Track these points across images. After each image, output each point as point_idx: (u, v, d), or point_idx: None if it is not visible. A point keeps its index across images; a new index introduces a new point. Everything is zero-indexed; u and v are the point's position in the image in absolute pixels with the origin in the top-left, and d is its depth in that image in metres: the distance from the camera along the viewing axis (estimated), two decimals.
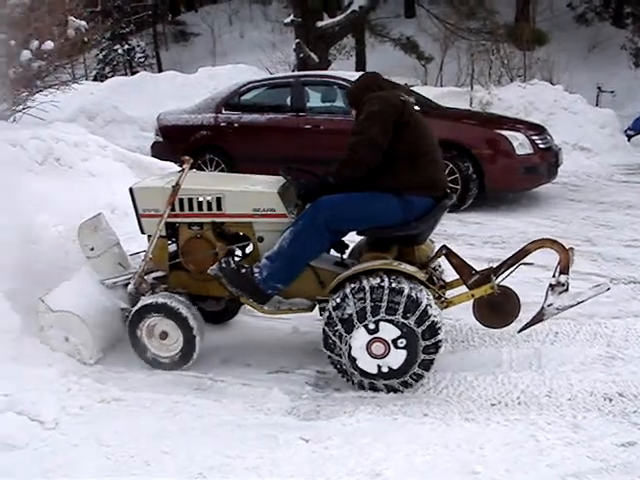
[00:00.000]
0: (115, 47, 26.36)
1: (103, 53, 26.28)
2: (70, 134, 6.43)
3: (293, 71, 15.18)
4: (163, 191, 4.22)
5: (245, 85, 9.72)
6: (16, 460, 3.23)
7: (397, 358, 3.74)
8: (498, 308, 4.11)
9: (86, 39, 9.25)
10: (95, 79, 21.94)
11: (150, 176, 4.97)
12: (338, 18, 16.12)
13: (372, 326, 3.73)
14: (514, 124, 8.89)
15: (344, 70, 11.77)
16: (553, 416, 3.51)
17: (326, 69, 14.40)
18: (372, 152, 3.89)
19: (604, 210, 8.23)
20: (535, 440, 3.27)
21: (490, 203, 8.23)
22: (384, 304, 3.70)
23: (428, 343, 3.72)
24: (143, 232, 4.40)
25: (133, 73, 22.53)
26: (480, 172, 8.02)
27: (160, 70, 24.71)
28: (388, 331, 3.72)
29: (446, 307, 4.10)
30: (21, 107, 7.80)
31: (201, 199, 4.21)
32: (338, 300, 3.80)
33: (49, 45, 6.93)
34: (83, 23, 8.21)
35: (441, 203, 4.04)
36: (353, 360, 3.79)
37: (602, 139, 11.96)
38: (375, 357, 3.76)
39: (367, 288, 3.73)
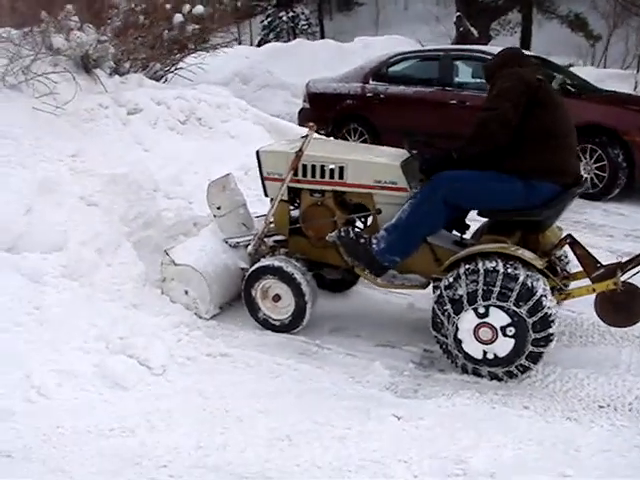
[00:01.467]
0: (280, 14, 26.80)
1: (268, 20, 26.80)
2: (213, 95, 6.60)
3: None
4: (288, 156, 4.25)
5: (394, 56, 9.56)
6: (122, 398, 3.43)
7: (504, 346, 3.60)
8: (623, 306, 3.84)
9: (253, 3, 9.44)
10: (259, 45, 22.40)
11: (280, 140, 5.02)
12: None
13: (482, 310, 3.61)
14: None
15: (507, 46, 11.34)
16: None
17: (486, 44, 13.94)
18: (502, 128, 3.70)
19: None
20: None
21: (639, 195, 7.72)
22: (497, 289, 3.56)
23: (538, 336, 3.55)
24: (267, 195, 4.48)
25: None
26: (631, 161, 7.48)
27: (322, 38, 24.87)
28: (498, 317, 3.58)
29: (564, 299, 3.90)
30: (173, 68, 8.08)
31: (324, 167, 4.21)
32: (451, 280, 3.70)
33: (199, 9, 7.13)
34: None
35: (570, 190, 3.82)
36: (459, 342, 3.69)
37: None
38: (482, 342, 3.63)
39: (481, 271, 3.61)
